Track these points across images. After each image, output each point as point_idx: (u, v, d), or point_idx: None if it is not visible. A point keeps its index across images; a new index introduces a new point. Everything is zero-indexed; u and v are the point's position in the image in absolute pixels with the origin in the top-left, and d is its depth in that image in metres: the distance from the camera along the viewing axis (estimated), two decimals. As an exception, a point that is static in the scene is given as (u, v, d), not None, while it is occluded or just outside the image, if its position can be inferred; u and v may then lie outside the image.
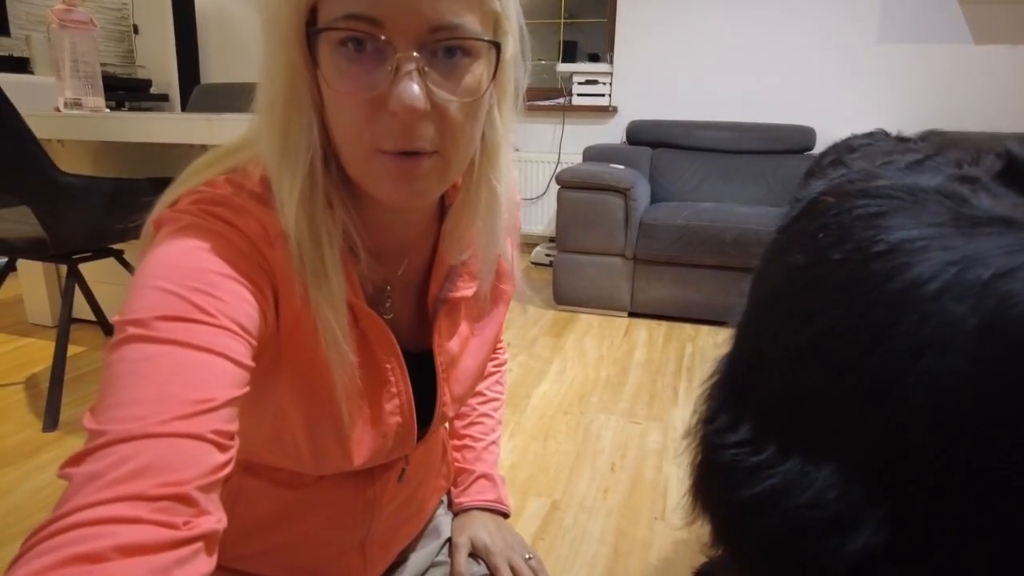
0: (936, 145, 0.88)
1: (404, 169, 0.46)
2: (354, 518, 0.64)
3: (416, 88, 0.43)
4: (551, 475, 1.60)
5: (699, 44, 3.41)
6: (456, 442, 0.83)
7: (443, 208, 0.60)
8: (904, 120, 3.20)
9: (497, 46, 0.46)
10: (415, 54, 0.43)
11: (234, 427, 0.40)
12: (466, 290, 0.62)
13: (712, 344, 2.57)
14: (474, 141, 0.50)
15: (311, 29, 0.44)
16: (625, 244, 2.74)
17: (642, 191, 2.84)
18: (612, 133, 3.60)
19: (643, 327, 2.72)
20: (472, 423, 0.84)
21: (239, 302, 0.43)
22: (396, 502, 0.67)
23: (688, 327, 2.73)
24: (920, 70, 3.18)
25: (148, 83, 4.07)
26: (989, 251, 0.51)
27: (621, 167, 2.89)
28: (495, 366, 0.87)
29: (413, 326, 0.61)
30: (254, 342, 0.44)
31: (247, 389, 0.42)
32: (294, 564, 0.64)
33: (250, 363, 0.43)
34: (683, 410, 1.98)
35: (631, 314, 2.83)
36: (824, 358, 0.59)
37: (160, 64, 4.09)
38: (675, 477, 1.62)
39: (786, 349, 0.65)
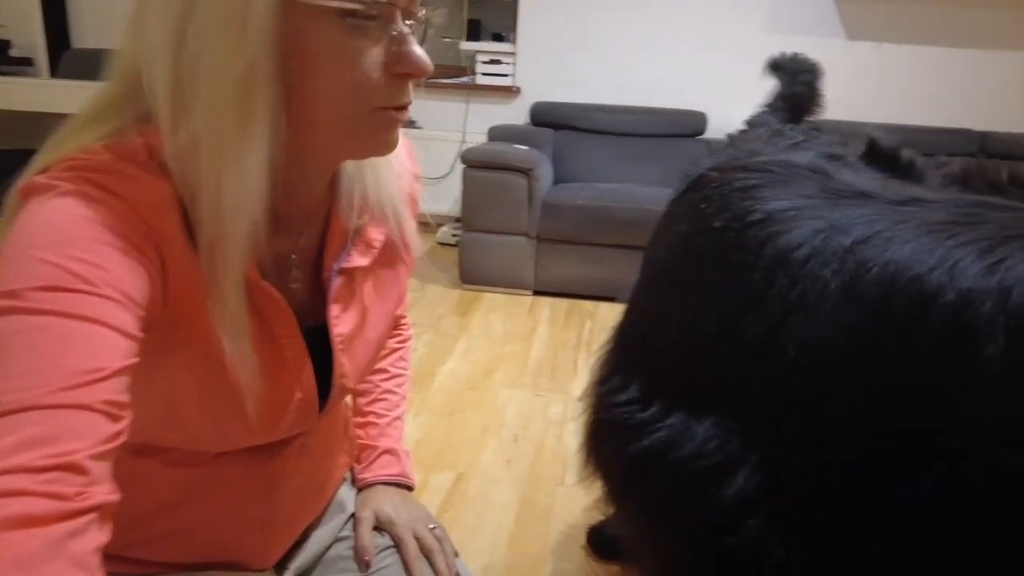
0: (806, 132, 0.97)
1: (400, 119, 0.51)
2: (255, 495, 0.64)
3: (424, 52, 0.49)
4: (456, 449, 1.63)
5: (600, 28, 3.50)
6: (359, 419, 0.83)
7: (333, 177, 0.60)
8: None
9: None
10: (410, 21, 0.48)
11: (125, 398, 0.39)
12: (362, 260, 0.62)
13: (611, 319, 2.67)
14: None
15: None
16: (529, 224, 2.80)
17: (545, 172, 2.89)
18: (516, 114, 3.63)
19: (546, 304, 2.79)
20: (375, 400, 0.84)
21: (123, 271, 0.42)
22: (299, 478, 0.67)
23: (589, 304, 2.83)
24: (799, 62, 3.42)
25: (6, 44, 3.67)
26: (851, 220, 0.57)
27: (525, 148, 2.93)
28: (399, 342, 0.87)
29: (312, 298, 0.61)
30: (142, 312, 0.43)
31: (136, 360, 0.41)
32: (193, 546, 0.63)
33: (138, 334, 0.42)
34: (583, 381, 2.06)
35: (535, 292, 2.90)
36: (708, 320, 0.64)
37: (22, 24, 3.70)
38: (575, 445, 1.69)
39: (673, 313, 0.70)
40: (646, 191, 2.94)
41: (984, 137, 3.10)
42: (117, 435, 0.37)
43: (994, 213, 0.54)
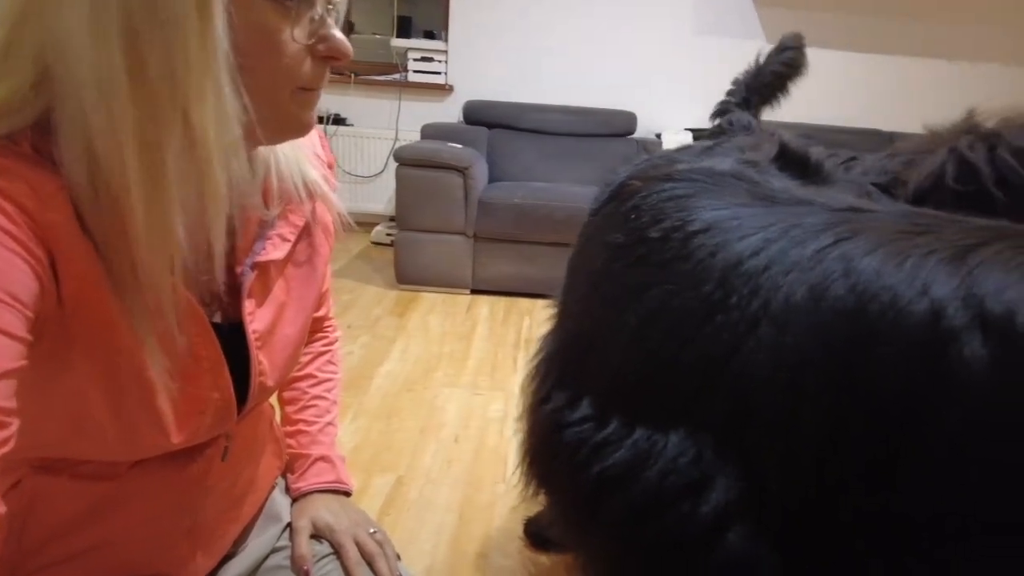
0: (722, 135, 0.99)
1: (317, 99, 0.53)
2: (178, 503, 0.61)
3: (342, 34, 0.50)
4: (395, 452, 1.61)
5: (531, 27, 3.52)
6: (289, 428, 0.81)
7: None
8: (708, 107, 3.55)
9: None
10: (329, 5, 0.49)
11: (11, 404, 0.37)
12: (276, 253, 0.60)
13: (548, 316, 2.70)
14: None
15: None
16: (465, 222, 2.79)
17: (480, 170, 2.89)
18: (449, 112, 3.61)
19: (485, 303, 2.79)
20: (304, 407, 0.81)
21: (8, 269, 0.39)
22: (223, 483, 0.65)
23: (526, 301, 2.85)
24: (727, 63, 3.53)
25: None
26: (805, 228, 0.57)
27: (460, 146, 2.92)
28: (324, 345, 0.85)
29: (224, 295, 0.59)
30: (29, 313, 0.40)
31: (24, 363, 0.39)
32: (114, 564, 0.59)
33: (26, 336, 0.39)
34: (522, 378, 2.08)
35: (473, 291, 2.89)
36: (661, 331, 0.62)
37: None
38: (516, 442, 1.70)
39: (621, 325, 0.67)
40: (581, 190, 2.97)
41: (892, 137, 3.30)
42: (3, 442, 0.35)
43: (945, 225, 0.55)
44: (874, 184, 0.86)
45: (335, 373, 0.86)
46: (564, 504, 0.71)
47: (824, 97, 3.46)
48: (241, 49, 0.44)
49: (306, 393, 0.82)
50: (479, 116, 3.41)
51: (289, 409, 0.82)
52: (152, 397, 0.50)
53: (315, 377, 0.83)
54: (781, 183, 0.71)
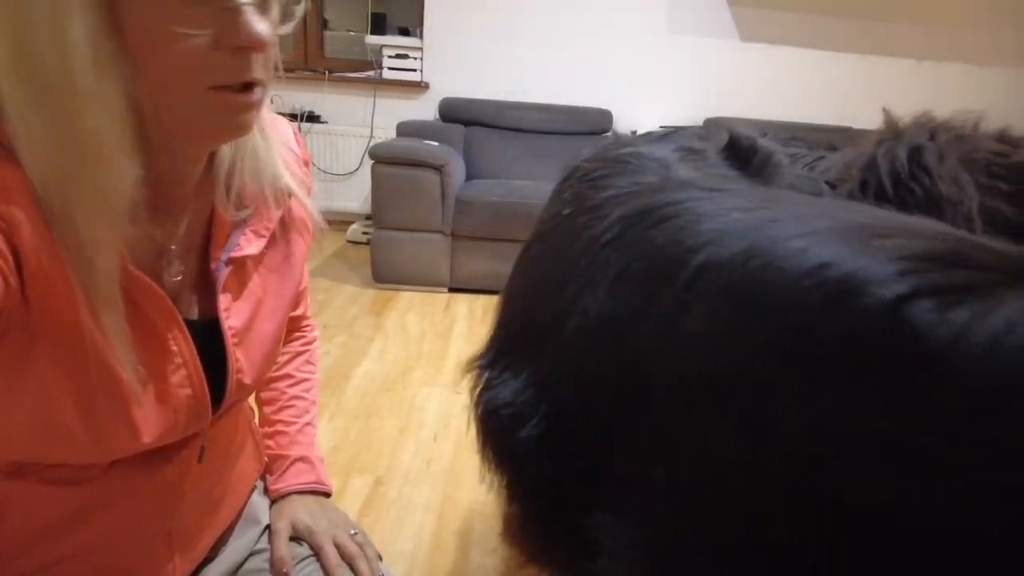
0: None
1: (245, 101, 0.47)
2: (154, 507, 0.59)
3: (262, 22, 0.45)
4: (374, 452, 1.59)
5: (507, 25, 3.51)
6: (267, 429, 0.80)
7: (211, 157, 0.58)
8: (685, 105, 3.58)
9: None
10: None
11: None
12: (251, 248, 0.59)
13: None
14: None
15: None
16: (442, 220, 2.77)
17: (457, 168, 2.88)
18: (425, 109, 3.59)
19: (463, 301, 2.78)
20: (283, 407, 0.80)
21: None
22: (201, 485, 0.64)
23: (505, 299, 2.84)
24: (701, 61, 3.58)
25: None
26: (648, 203, 0.64)
27: (436, 144, 2.90)
28: (303, 345, 0.84)
29: (199, 291, 0.58)
30: None
31: None
32: (91, 571, 0.58)
33: None
34: (502, 378, 2.07)
35: (451, 289, 2.88)
36: (537, 295, 0.75)
37: None
38: (496, 441, 1.69)
39: (517, 288, 0.83)
40: (557, 187, 2.98)
41: (861, 135, 3.37)
42: None
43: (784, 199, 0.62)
44: (827, 182, 0.89)
45: (313, 373, 0.85)
46: (478, 435, 0.84)
47: (795, 95, 3.51)
48: (135, 45, 0.43)
49: (284, 393, 0.81)
50: (455, 113, 3.40)
51: (267, 409, 0.80)
52: (121, 396, 0.49)
53: (293, 377, 0.82)
54: (689, 169, 0.76)
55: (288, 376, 0.82)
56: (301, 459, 0.78)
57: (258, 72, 0.47)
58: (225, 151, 0.56)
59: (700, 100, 3.59)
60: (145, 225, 0.49)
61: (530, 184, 3.00)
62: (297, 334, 0.84)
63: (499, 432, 0.73)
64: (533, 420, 0.67)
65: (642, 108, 3.61)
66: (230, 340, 0.58)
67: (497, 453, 0.76)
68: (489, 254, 2.84)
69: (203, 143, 0.52)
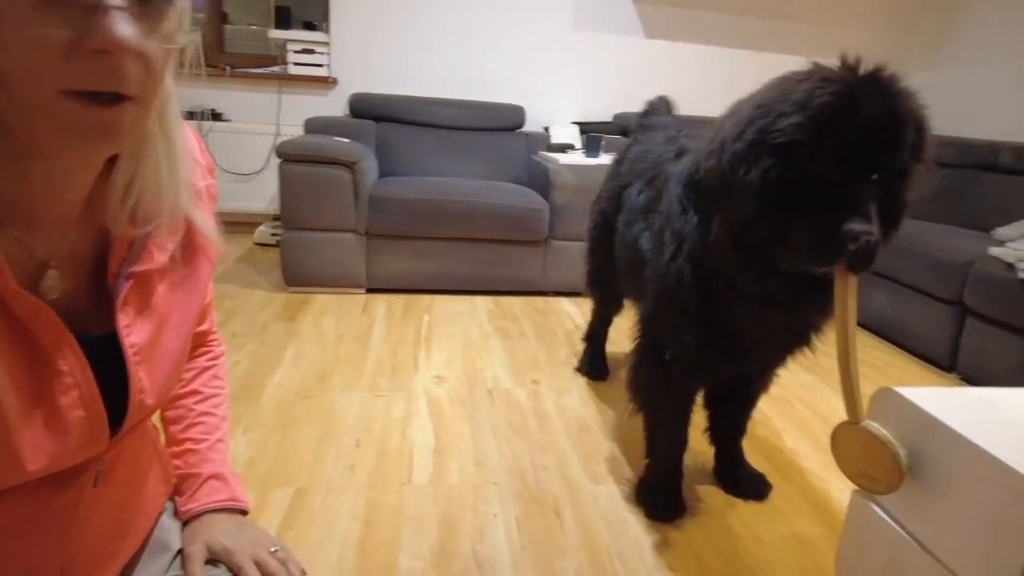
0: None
1: (100, 115, 0.42)
2: (48, 537, 0.54)
3: (128, 25, 0.40)
4: (294, 463, 1.53)
5: (415, 18, 3.46)
6: (176, 448, 0.75)
7: (108, 169, 0.54)
8: (595, 101, 3.66)
9: None
10: None
11: None
12: (152, 263, 0.56)
13: (448, 312, 2.68)
14: (162, 91, 0.48)
15: None
16: (356, 219, 2.70)
17: (370, 165, 2.81)
18: (333, 105, 3.48)
19: (381, 302, 2.72)
20: (191, 425, 0.76)
21: None
22: (101, 512, 0.59)
23: (425, 298, 2.81)
24: (609, 57, 3.66)
25: None
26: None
27: (347, 140, 2.82)
28: (209, 360, 0.80)
29: (94, 306, 0.54)
30: None
31: None
32: None
33: None
34: (424, 377, 2.05)
35: (369, 290, 2.82)
36: None
37: None
38: (419, 442, 1.67)
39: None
40: (474, 184, 2.97)
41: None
42: None
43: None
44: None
45: (221, 388, 0.80)
46: None
47: (698, 90, 3.65)
48: None
49: (192, 410, 0.76)
50: (366, 109, 3.32)
51: (174, 428, 0.75)
52: (2, 419, 0.45)
53: (201, 393, 0.77)
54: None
55: (195, 392, 0.77)
56: (214, 476, 0.74)
57: (126, 85, 0.42)
58: (124, 165, 0.52)
59: (609, 96, 3.67)
60: (20, 237, 0.45)
61: (447, 180, 2.97)
62: (202, 349, 0.80)
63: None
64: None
65: (554, 104, 3.65)
66: (131, 358, 0.55)
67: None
68: (407, 253, 2.79)
69: (62, 154, 0.46)
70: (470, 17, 3.49)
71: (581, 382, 2.12)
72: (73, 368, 0.50)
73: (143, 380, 0.56)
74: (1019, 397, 1.02)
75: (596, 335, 2.18)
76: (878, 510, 1.02)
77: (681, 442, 1.46)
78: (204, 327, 0.78)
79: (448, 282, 2.88)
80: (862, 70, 0.98)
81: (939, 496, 0.90)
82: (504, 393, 1.99)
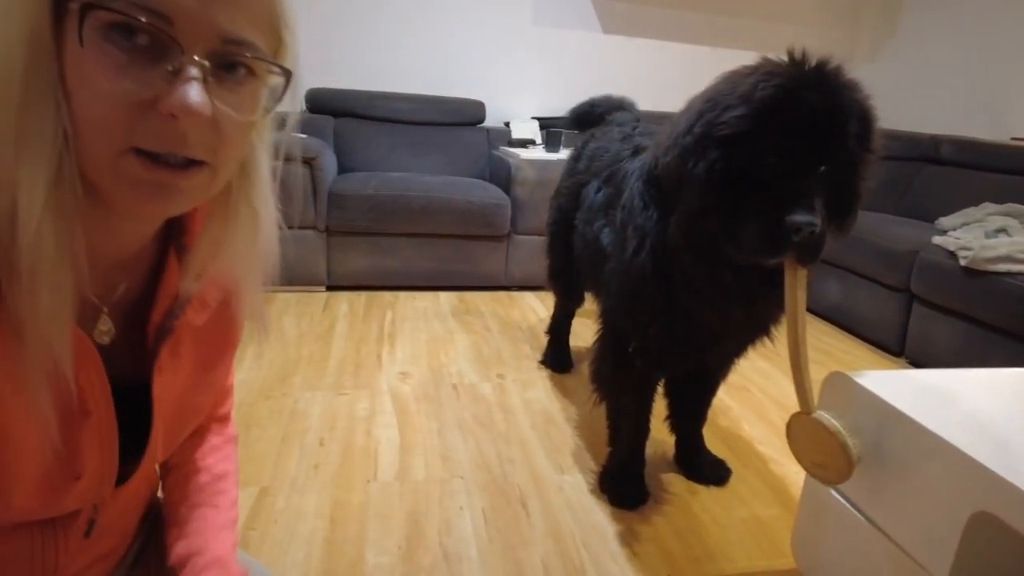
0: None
1: (163, 176, 0.42)
2: None
3: (202, 93, 0.40)
4: (257, 463, 1.51)
5: (374, 12, 3.42)
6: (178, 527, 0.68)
7: (169, 227, 0.54)
8: (554, 96, 3.67)
9: (289, 73, 0.48)
10: (204, 61, 0.41)
11: None
12: (196, 319, 0.55)
13: (411, 309, 2.67)
14: (239, 161, 0.49)
15: (73, 3, 0.38)
16: (316, 216, 2.66)
17: (329, 161, 2.77)
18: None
19: (343, 299, 2.69)
20: (200, 505, 0.69)
21: None
22: (80, 561, 0.57)
23: (387, 295, 2.79)
24: (567, 53, 3.68)
25: None
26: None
27: (304, 135, 2.78)
28: (223, 441, 0.75)
29: (130, 354, 0.53)
30: None
31: None
32: None
33: None
34: (388, 374, 2.04)
35: (329, 287, 2.78)
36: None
37: None
38: (384, 439, 1.66)
39: None
40: (435, 179, 2.96)
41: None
42: None
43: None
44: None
45: (232, 467, 0.76)
46: None
47: (657, 86, 3.70)
48: (70, 80, 0.40)
49: (203, 490, 0.70)
50: (324, 104, 3.27)
51: (181, 508, 0.69)
52: (19, 455, 0.44)
53: (211, 471, 0.72)
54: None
55: (206, 469, 0.71)
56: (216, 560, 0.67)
57: (196, 149, 0.42)
58: (215, 231, 0.52)
59: (569, 91, 3.68)
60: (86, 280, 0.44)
61: (407, 176, 2.95)
62: (217, 423, 0.76)
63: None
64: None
65: (514, 99, 3.65)
66: (158, 412, 0.54)
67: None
68: (368, 249, 2.77)
69: (118, 210, 0.46)
70: (430, 12, 3.47)
71: (545, 375, 2.13)
72: (101, 414, 0.49)
73: (160, 431, 0.55)
74: (962, 378, 1.07)
75: (559, 328, 2.20)
76: (831, 491, 1.06)
77: (643, 431, 1.49)
78: (224, 411, 0.75)
79: (411, 279, 2.86)
80: (808, 64, 1.00)
81: (884, 472, 0.94)
82: (469, 388, 2.00)
